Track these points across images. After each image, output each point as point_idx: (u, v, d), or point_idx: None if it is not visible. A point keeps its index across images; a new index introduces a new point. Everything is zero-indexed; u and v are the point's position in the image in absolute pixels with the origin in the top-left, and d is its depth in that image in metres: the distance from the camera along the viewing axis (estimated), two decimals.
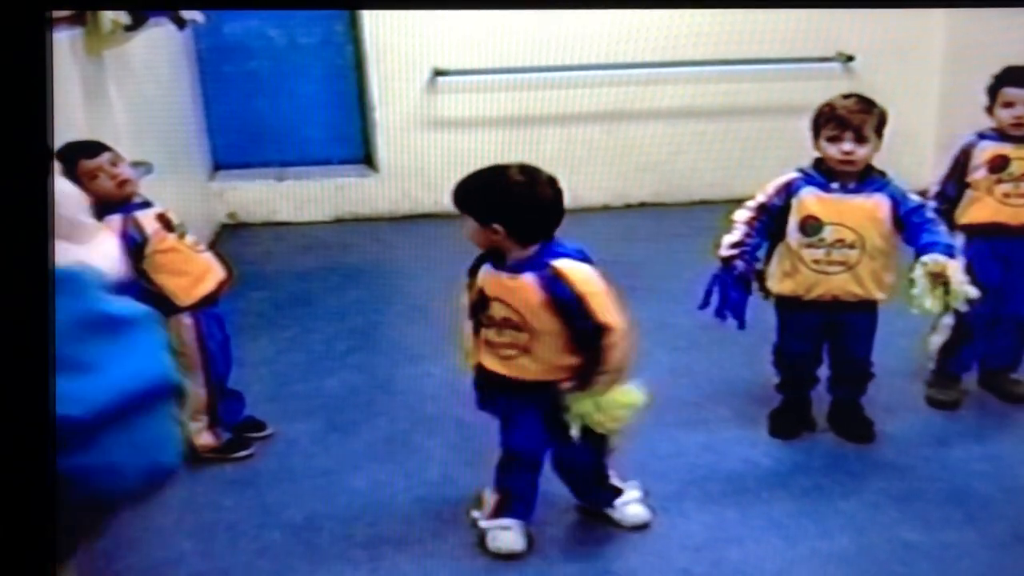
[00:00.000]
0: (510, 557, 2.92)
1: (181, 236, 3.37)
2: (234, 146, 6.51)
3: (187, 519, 3.14)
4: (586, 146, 6.46)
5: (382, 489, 3.29)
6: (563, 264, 2.70)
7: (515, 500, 2.96)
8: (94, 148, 3.25)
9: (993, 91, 3.56)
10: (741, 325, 3.36)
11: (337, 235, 6.17)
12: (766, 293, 3.47)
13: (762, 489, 3.25)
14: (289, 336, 4.60)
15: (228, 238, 6.16)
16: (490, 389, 2.89)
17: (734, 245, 3.39)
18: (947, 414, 3.71)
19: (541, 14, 6.12)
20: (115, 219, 3.22)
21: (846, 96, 3.31)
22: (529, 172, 2.73)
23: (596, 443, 2.91)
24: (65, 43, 3.88)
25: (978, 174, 3.58)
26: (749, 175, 3.51)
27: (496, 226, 2.69)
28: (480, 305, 2.81)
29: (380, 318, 4.81)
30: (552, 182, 2.73)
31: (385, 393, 3.98)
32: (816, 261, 3.34)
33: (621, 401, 2.76)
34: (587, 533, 3.04)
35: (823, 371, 3.58)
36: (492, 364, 2.83)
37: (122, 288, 1.19)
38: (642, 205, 6.55)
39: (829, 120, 3.28)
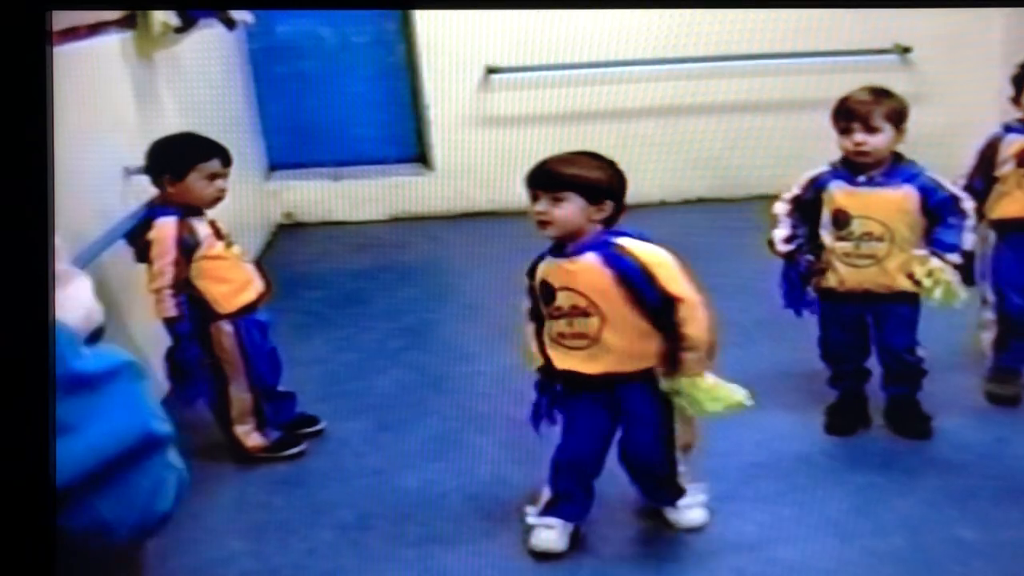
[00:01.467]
0: (548, 556, 2.88)
1: (228, 245, 3.38)
2: (289, 146, 6.53)
3: (238, 519, 3.14)
4: (641, 142, 6.38)
5: (433, 488, 3.27)
6: (625, 240, 2.69)
7: (566, 501, 2.92)
8: (228, 157, 3.36)
9: (1019, 81, 3.49)
10: (804, 308, 3.45)
11: (392, 234, 6.16)
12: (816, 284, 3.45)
13: (817, 487, 3.19)
14: (343, 335, 4.59)
15: (284, 238, 6.19)
16: (555, 390, 2.84)
17: (788, 239, 3.40)
18: (1006, 410, 3.62)
19: (593, 11, 6.06)
20: (171, 222, 3.24)
21: (862, 89, 3.29)
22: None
23: (667, 440, 2.86)
24: (116, 45, 3.90)
25: (1006, 168, 3.50)
26: (806, 169, 3.45)
27: (607, 203, 2.69)
28: (547, 298, 2.78)
29: (433, 316, 4.79)
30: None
31: (437, 391, 3.96)
32: (846, 254, 3.34)
33: (721, 395, 2.71)
34: (639, 532, 3.00)
35: (876, 368, 3.51)
36: (562, 361, 2.79)
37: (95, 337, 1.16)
38: (699, 200, 6.47)
39: (840, 112, 3.27)
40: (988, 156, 3.53)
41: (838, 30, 6.01)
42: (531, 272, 2.83)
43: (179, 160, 3.29)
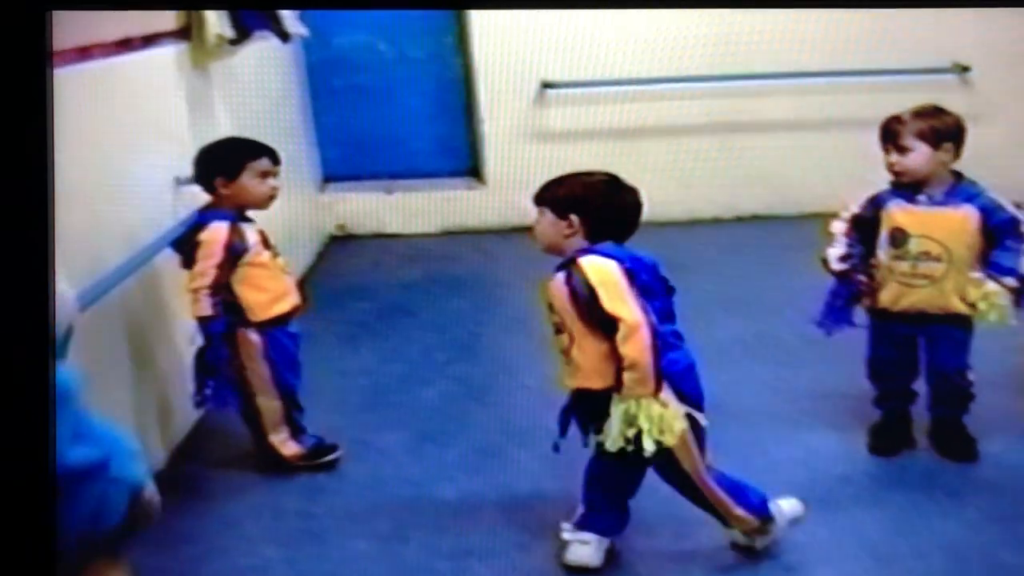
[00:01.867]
0: (583, 571, 2.86)
1: (274, 256, 3.42)
2: (344, 159, 6.58)
3: (275, 527, 3.16)
4: (696, 158, 6.36)
5: (471, 501, 3.27)
6: (584, 258, 2.68)
7: (598, 515, 2.89)
8: (276, 156, 3.41)
9: None
10: (853, 324, 3.44)
11: (443, 247, 6.18)
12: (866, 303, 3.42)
13: (857, 507, 3.14)
14: (390, 346, 4.61)
15: (336, 249, 6.23)
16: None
17: (843, 258, 3.38)
18: None
19: (649, 23, 6.05)
20: (223, 226, 3.29)
21: (909, 109, 3.29)
22: (614, 177, 2.81)
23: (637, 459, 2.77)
24: (171, 56, 3.96)
25: None
26: (860, 188, 3.43)
27: (572, 217, 2.70)
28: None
29: (480, 329, 4.79)
30: (635, 192, 2.80)
31: (480, 404, 3.96)
32: (903, 273, 3.31)
33: (655, 415, 2.64)
34: (677, 550, 2.96)
35: (922, 388, 3.47)
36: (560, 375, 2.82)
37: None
38: (753, 217, 6.42)
39: (880, 132, 3.31)
40: None
41: (896, 48, 5.96)
42: None
43: (231, 160, 3.34)
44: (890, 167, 3.28)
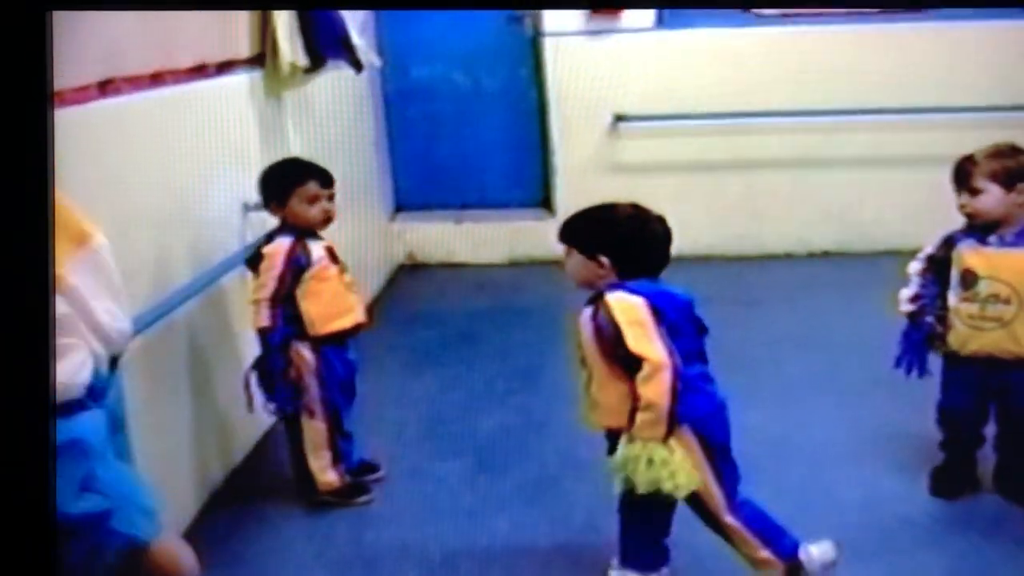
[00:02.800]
0: None
1: (342, 272, 3.44)
2: (416, 188, 6.65)
3: (327, 552, 3.17)
4: (769, 193, 6.33)
5: (524, 532, 3.26)
6: (612, 295, 2.62)
7: (635, 553, 2.85)
8: (327, 178, 3.42)
9: None
10: (922, 373, 3.34)
11: (511, 276, 6.20)
12: (939, 346, 3.34)
13: (917, 550, 3.07)
14: (452, 374, 4.63)
15: (405, 277, 6.28)
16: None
17: (913, 299, 3.34)
18: None
19: (723, 57, 6.04)
20: (286, 241, 3.33)
21: (984, 148, 3.22)
22: (639, 208, 2.73)
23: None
24: (244, 84, 4.03)
25: None
26: (936, 226, 3.38)
27: (602, 258, 2.66)
28: None
29: (543, 360, 4.78)
30: (662, 220, 2.72)
31: (539, 435, 3.95)
32: (971, 316, 3.22)
33: (658, 460, 2.58)
34: None
35: (990, 429, 3.38)
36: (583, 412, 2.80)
37: None
38: (825, 254, 6.34)
39: (953, 172, 3.24)
40: None
41: (977, 85, 5.86)
42: None
43: (278, 186, 3.39)
44: (961, 208, 3.21)
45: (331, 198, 3.41)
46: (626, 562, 2.86)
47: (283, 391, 3.34)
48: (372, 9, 6.04)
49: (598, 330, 2.62)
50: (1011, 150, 3.21)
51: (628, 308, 2.59)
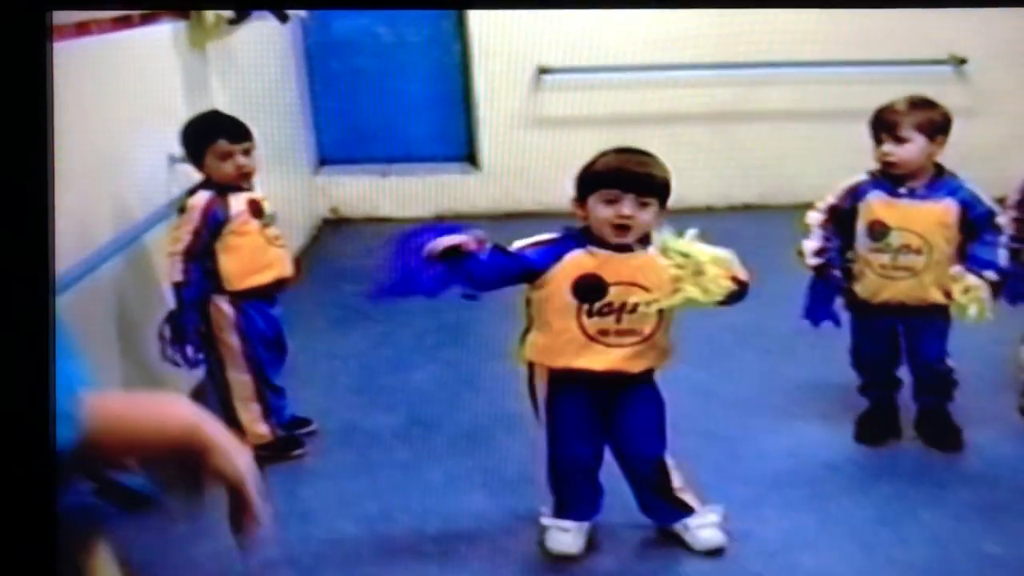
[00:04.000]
0: (567, 559, 2.87)
1: (266, 226, 3.40)
2: (339, 142, 6.59)
3: (262, 507, 3.16)
4: (691, 147, 6.35)
5: (459, 484, 3.29)
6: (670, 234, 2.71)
7: (574, 501, 2.90)
8: (238, 133, 3.36)
9: None
10: (837, 323, 3.42)
11: None
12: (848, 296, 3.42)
13: (843, 495, 3.16)
14: (381, 331, 4.61)
15: (329, 233, 6.24)
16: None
17: (818, 252, 3.38)
18: None
19: (647, 11, 6.05)
20: (205, 196, 3.30)
21: (900, 99, 3.27)
22: None
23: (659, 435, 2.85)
24: (168, 36, 3.96)
25: None
26: (856, 178, 3.43)
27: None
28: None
29: (473, 314, 4.74)
30: None
31: (470, 389, 3.97)
32: (882, 266, 3.30)
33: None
34: (661, 535, 2.97)
35: (907, 377, 3.48)
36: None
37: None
38: (746, 207, 6.43)
39: (873, 122, 3.28)
40: None
41: (893, 40, 5.95)
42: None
43: (192, 144, 3.37)
44: (882, 157, 3.25)
45: (247, 152, 3.35)
46: (561, 512, 2.90)
47: (193, 346, 3.33)
48: (371, 9, 6.03)
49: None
50: (930, 102, 3.27)
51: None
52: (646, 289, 2.69)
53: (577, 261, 2.71)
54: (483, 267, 2.68)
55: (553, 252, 2.73)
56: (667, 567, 2.86)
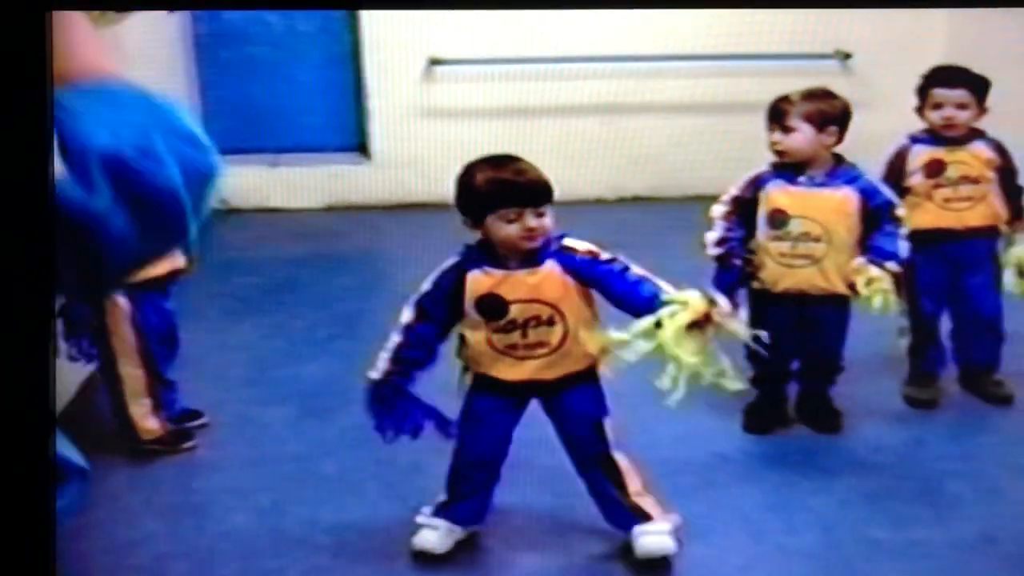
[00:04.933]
0: (426, 557, 2.87)
1: None
2: (229, 132, 6.44)
3: (155, 500, 3.15)
4: (582, 138, 6.42)
5: (351, 475, 3.30)
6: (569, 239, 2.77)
7: (459, 503, 2.91)
8: None
9: (922, 92, 3.55)
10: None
11: (329, 222, 6.15)
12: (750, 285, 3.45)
13: (732, 483, 3.24)
14: (272, 322, 4.60)
15: (219, 224, 6.16)
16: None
17: (719, 243, 3.41)
18: (924, 413, 3.68)
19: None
20: None
21: (798, 91, 3.34)
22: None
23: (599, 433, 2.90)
24: None
25: (915, 179, 3.57)
26: (746, 171, 3.50)
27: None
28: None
29: (365, 306, 4.79)
30: None
31: (362, 380, 3.95)
32: (782, 254, 3.34)
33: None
34: (553, 528, 3.03)
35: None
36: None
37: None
38: (636, 199, 6.51)
39: (767, 113, 3.35)
40: (897, 167, 3.59)
41: (780, 33, 6.05)
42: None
43: None
44: (773, 146, 3.32)
45: None
46: (442, 513, 2.92)
47: (85, 339, 3.29)
48: (369, 9, 5.94)
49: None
50: (825, 93, 3.34)
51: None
52: (548, 305, 2.72)
53: (476, 281, 2.74)
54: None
55: (452, 277, 2.77)
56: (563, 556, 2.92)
